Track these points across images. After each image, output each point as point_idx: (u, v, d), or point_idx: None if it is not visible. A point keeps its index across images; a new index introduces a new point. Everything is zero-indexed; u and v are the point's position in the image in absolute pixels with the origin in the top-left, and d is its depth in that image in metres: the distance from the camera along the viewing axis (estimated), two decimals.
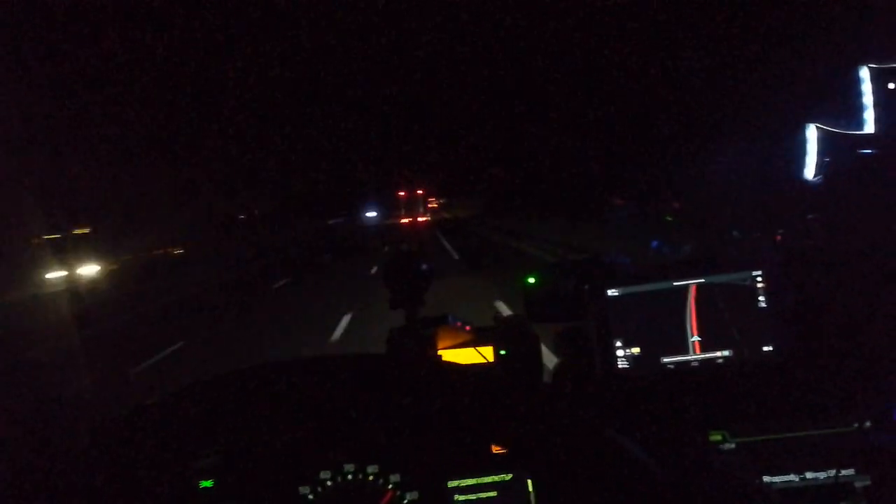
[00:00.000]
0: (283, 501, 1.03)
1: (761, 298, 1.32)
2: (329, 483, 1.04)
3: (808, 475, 1.18)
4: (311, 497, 1.03)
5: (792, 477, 1.18)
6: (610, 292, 1.33)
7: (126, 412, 0.97)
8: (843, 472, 1.17)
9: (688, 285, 1.32)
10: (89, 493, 0.95)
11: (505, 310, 5.49)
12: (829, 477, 1.17)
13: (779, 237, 2.09)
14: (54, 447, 0.99)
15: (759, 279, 1.32)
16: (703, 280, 1.32)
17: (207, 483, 1.04)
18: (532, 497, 1.05)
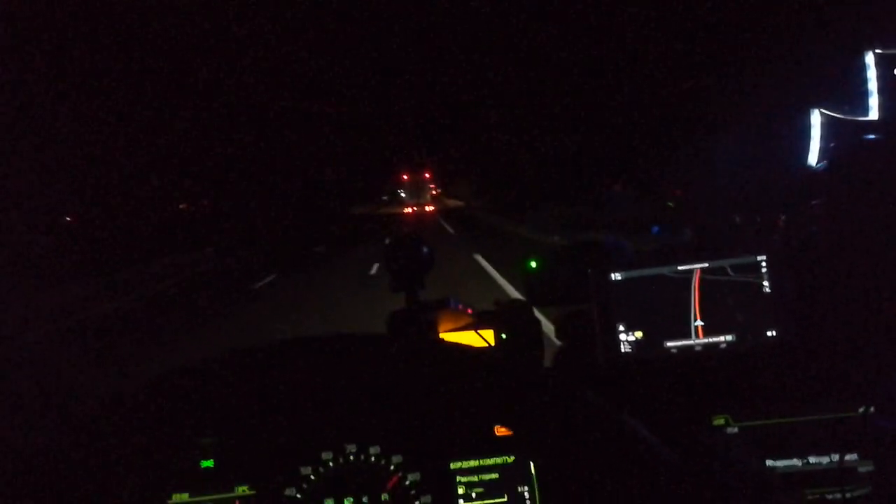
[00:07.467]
0: (284, 481, 1.02)
1: (765, 283, 1.31)
2: (330, 463, 1.04)
3: (812, 459, 1.18)
4: (312, 477, 1.03)
5: (795, 461, 1.18)
6: (613, 276, 1.33)
7: (124, 391, 0.97)
8: (847, 457, 1.16)
9: (691, 270, 1.31)
10: (90, 468, 0.95)
11: None
12: (832, 462, 1.17)
13: (780, 222, 2.08)
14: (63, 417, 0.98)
15: (763, 264, 1.31)
16: (706, 265, 1.31)
17: (208, 463, 1.04)
18: (535, 479, 1.05)
